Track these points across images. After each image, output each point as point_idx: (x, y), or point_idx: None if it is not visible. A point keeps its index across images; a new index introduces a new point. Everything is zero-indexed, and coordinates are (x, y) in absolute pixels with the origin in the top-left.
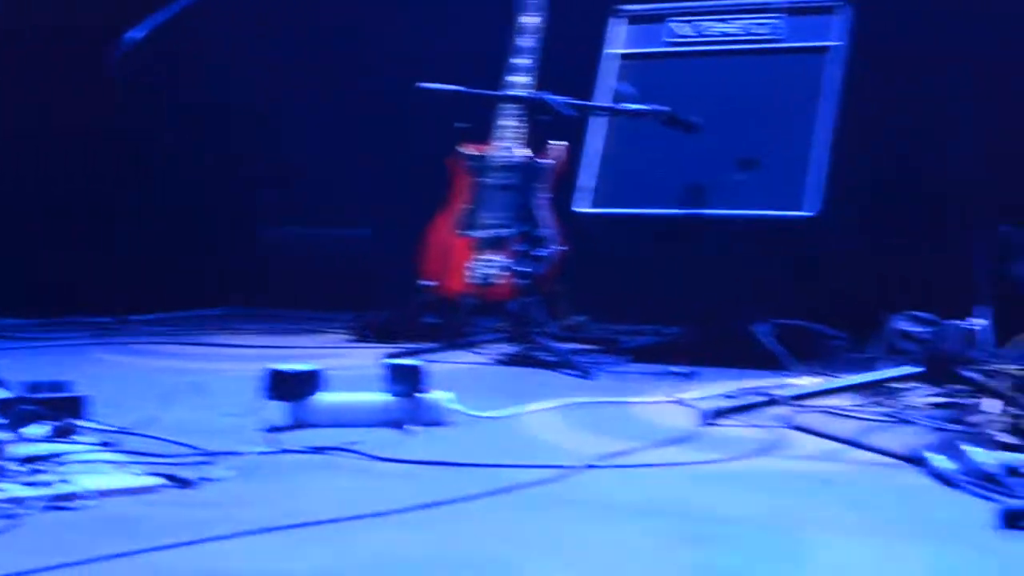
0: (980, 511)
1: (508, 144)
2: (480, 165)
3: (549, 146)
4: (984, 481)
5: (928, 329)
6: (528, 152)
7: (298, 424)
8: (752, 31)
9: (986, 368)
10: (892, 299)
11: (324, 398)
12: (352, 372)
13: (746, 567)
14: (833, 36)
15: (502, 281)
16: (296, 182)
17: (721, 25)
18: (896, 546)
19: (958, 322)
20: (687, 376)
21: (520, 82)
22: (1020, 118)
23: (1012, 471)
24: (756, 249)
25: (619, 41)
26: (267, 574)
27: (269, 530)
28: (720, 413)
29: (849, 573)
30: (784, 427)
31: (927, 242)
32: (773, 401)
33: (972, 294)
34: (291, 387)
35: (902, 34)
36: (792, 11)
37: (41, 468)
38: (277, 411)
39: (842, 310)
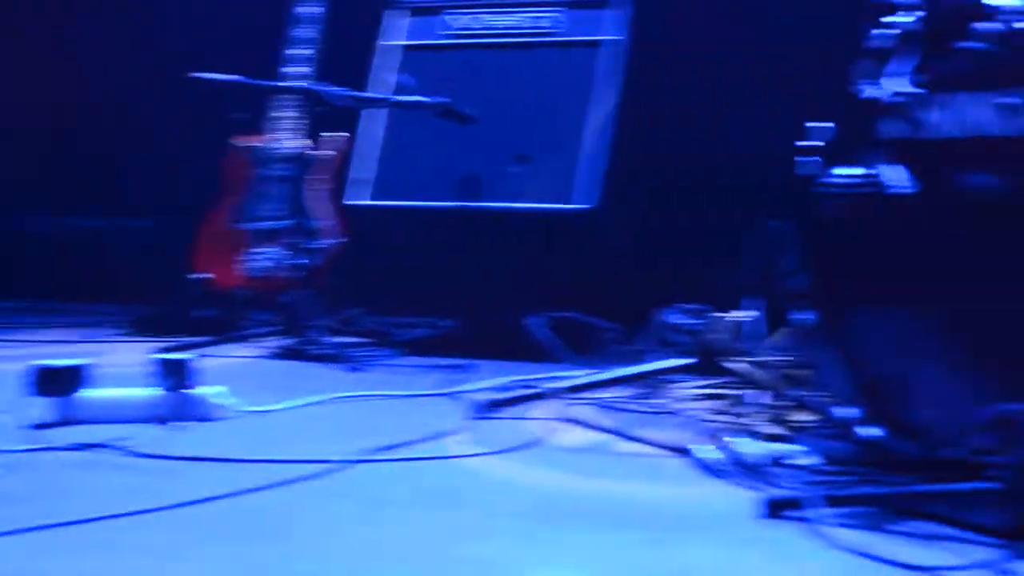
0: (745, 501)
1: (285, 135)
2: (256, 156)
3: (327, 138)
4: (749, 471)
5: (698, 321)
6: (306, 144)
7: (64, 420)
8: (532, 24)
9: (755, 360)
10: (667, 292)
11: (91, 394)
12: (122, 367)
13: (512, 558)
14: (611, 30)
15: (277, 274)
16: (69, 171)
17: (501, 18)
18: (661, 536)
19: (728, 315)
20: (460, 369)
21: (298, 73)
22: (793, 114)
23: (777, 461)
24: (532, 242)
25: (399, 33)
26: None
27: (32, 530)
28: (492, 406)
29: (615, 564)
30: (555, 419)
31: (702, 235)
32: (545, 394)
33: (743, 287)
34: (57, 383)
35: (682, 29)
36: (572, 5)
37: None
38: (43, 407)
39: (618, 303)
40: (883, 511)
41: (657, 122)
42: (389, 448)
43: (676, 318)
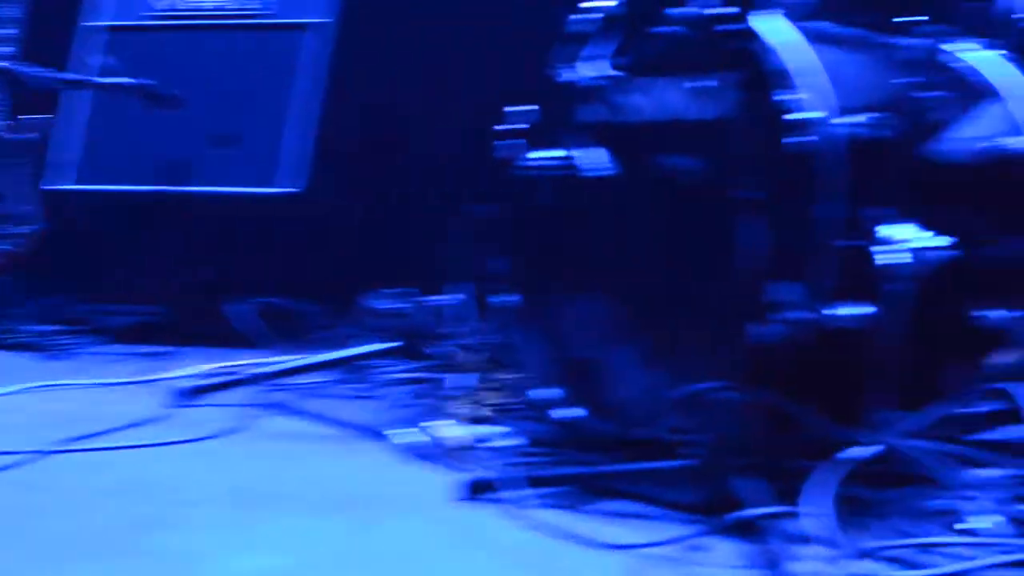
0: (445, 484)
1: None
2: None
3: (27, 120)
4: (451, 454)
5: (405, 305)
6: (4, 126)
7: None
8: (239, 6)
9: (459, 343)
10: (376, 275)
11: None
12: None
13: (211, 547)
14: (319, 12)
15: None
16: None
17: None
18: (360, 520)
19: (435, 298)
20: (165, 356)
21: None
22: (500, 98)
23: (479, 444)
24: (239, 226)
25: (102, 13)
26: None
27: None
28: (194, 392)
29: (314, 549)
30: (258, 405)
31: (408, 219)
32: (248, 379)
33: (452, 270)
34: None
35: (390, 12)
36: None
37: None
38: None
39: (324, 287)
40: (582, 491)
41: (366, 105)
42: (84, 438)
43: (381, 302)
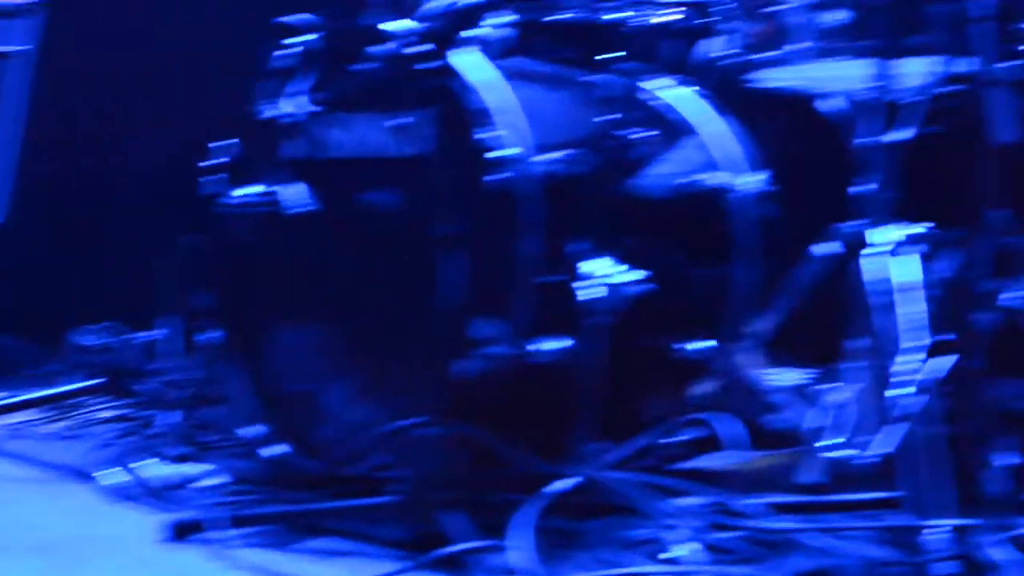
0: (150, 525)
1: None
2: None
3: None
4: (156, 494)
5: (110, 341)
6: None
7: None
8: None
9: (166, 379)
10: (79, 310)
11: None
12: None
13: None
14: (20, 40)
15: None
16: None
17: None
18: (60, 565)
19: (141, 334)
20: None
21: None
22: (207, 133)
23: (185, 483)
24: None
25: None
26: None
27: None
28: None
29: None
30: None
31: (117, 252)
32: None
33: (159, 305)
34: None
35: (96, 41)
36: None
37: None
38: None
39: (27, 322)
40: (288, 529)
41: (68, 136)
42: None
43: (87, 338)
